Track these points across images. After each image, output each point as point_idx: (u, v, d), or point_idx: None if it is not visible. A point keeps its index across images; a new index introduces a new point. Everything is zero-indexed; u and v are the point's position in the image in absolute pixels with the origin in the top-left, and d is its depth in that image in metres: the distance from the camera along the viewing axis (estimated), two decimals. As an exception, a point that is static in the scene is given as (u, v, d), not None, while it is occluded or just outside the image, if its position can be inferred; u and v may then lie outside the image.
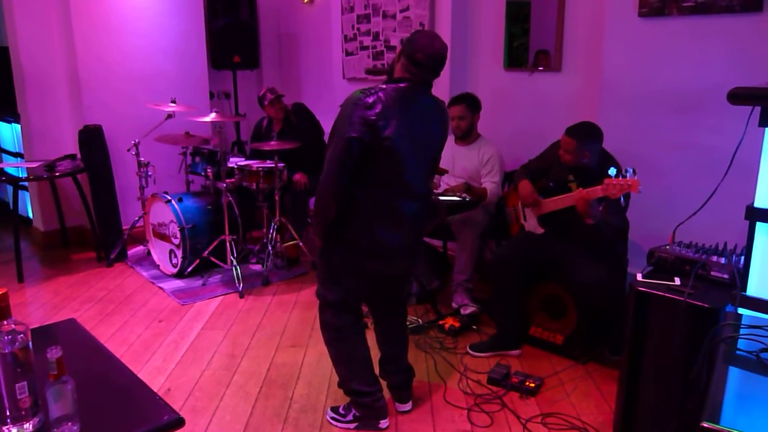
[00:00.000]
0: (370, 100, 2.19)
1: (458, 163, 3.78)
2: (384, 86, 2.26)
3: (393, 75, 2.34)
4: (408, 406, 2.71)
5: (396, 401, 2.73)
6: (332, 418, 2.63)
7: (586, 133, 2.98)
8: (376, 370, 2.66)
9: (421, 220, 2.47)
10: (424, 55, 2.25)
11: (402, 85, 2.27)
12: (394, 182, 2.30)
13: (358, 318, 2.58)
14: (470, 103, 3.70)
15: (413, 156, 2.29)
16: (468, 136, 3.76)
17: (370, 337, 2.67)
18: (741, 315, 1.78)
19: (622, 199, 2.74)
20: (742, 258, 2.05)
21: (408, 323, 3.42)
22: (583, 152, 2.97)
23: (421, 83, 2.30)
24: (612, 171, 2.67)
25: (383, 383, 2.69)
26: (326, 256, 2.47)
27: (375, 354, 2.66)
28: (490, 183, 3.68)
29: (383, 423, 2.58)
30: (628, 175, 2.64)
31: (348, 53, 5.04)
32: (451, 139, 3.86)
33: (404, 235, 2.39)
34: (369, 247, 2.34)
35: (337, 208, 2.29)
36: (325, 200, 2.29)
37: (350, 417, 2.60)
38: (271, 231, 4.29)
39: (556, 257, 3.12)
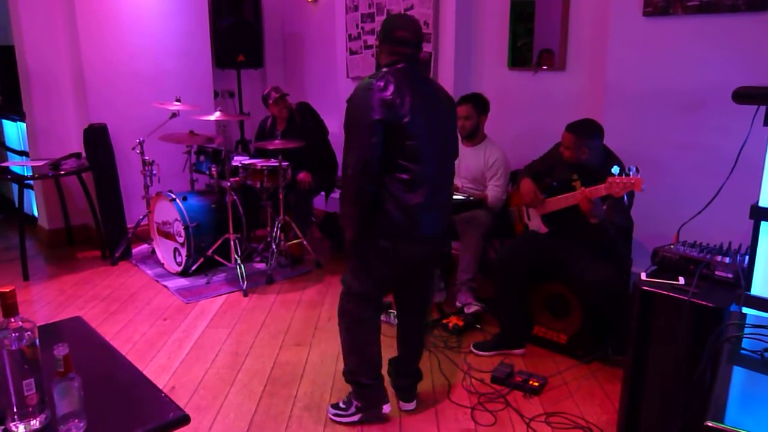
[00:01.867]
0: (382, 83, 2.23)
1: (463, 164, 3.78)
2: (386, 70, 2.31)
3: (382, 64, 2.40)
4: (412, 406, 2.72)
5: (400, 400, 2.73)
6: (335, 414, 2.64)
7: (585, 129, 2.99)
8: (385, 368, 2.68)
9: (448, 199, 2.53)
10: (406, 31, 2.34)
11: (399, 65, 2.32)
12: (418, 160, 2.29)
13: (378, 313, 2.63)
14: (478, 103, 3.70)
15: (429, 132, 2.32)
16: (474, 136, 3.75)
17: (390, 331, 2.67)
18: (745, 314, 1.78)
19: (625, 197, 2.74)
20: (747, 257, 2.05)
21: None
22: (581, 148, 2.97)
23: (408, 58, 2.35)
24: (615, 169, 2.67)
25: (386, 377, 2.70)
26: (359, 245, 2.46)
27: (386, 353, 2.66)
28: (493, 187, 3.68)
29: (386, 408, 2.62)
30: (631, 173, 2.64)
31: (352, 52, 5.05)
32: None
33: (437, 215, 2.41)
34: (407, 230, 2.34)
35: (365, 198, 2.31)
36: (358, 189, 2.28)
37: (352, 409, 2.60)
38: (275, 230, 4.30)
39: (560, 256, 3.12)
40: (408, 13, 4.48)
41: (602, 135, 3.01)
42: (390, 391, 2.74)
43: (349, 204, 2.34)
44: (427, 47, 4.41)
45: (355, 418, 2.59)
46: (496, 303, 3.35)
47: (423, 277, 2.68)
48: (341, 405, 2.64)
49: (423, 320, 2.76)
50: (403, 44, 2.33)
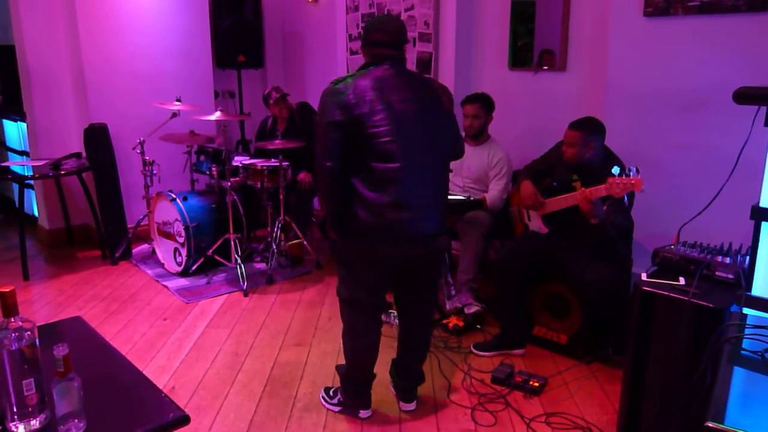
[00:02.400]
0: (341, 87, 2.31)
1: (466, 163, 3.77)
2: (355, 72, 2.38)
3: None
4: (412, 406, 2.72)
5: (400, 400, 2.74)
6: (322, 397, 2.76)
7: (590, 125, 3.00)
8: (385, 369, 2.69)
9: (436, 197, 2.42)
10: (381, 33, 2.39)
11: (373, 67, 2.37)
12: (387, 159, 2.30)
13: (373, 319, 2.58)
14: (485, 102, 3.70)
15: (401, 131, 2.30)
16: (479, 136, 3.75)
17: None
18: (746, 315, 1.78)
19: (625, 198, 2.74)
20: (747, 258, 2.05)
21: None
22: (588, 144, 2.97)
23: (388, 59, 2.37)
24: (615, 170, 2.68)
25: (382, 379, 2.71)
26: (340, 249, 2.52)
27: (387, 353, 2.66)
28: (493, 188, 3.68)
29: (363, 413, 2.66)
30: (631, 174, 2.64)
31: (353, 52, 5.05)
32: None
33: (413, 213, 2.34)
34: (380, 230, 2.34)
35: (337, 197, 2.36)
36: (323, 192, 2.40)
37: (336, 400, 2.71)
38: (276, 230, 4.30)
39: (561, 257, 3.12)
40: (408, 13, 4.48)
41: (604, 133, 3.02)
42: (391, 391, 2.78)
43: (324, 200, 2.45)
44: (427, 47, 4.41)
45: (335, 408, 2.70)
46: (497, 303, 3.35)
47: (423, 282, 2.61)
48: (330, 392, 2.75)
49: (425, 326, 2.73)
50: (378, 46, 2.39)
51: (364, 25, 2.47)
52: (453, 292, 2.71)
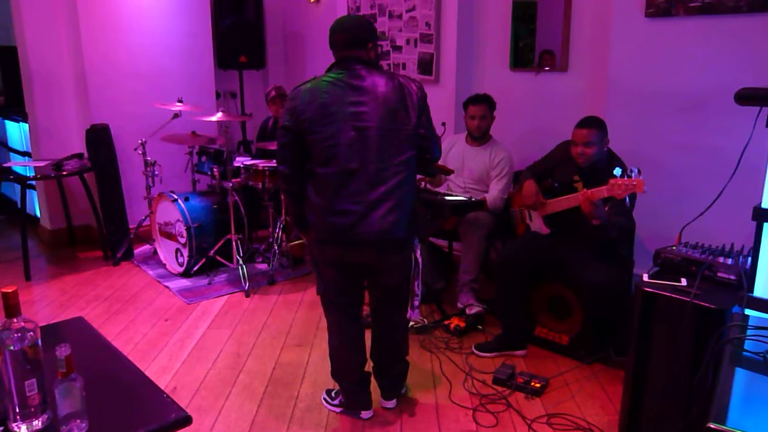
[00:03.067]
0: (295, 93, 2.38)
1: (467, 164, 3.78)
2: (315, 77, 2.42)
3: None
4: (392, 404, 2.73)
5: (381, 396, 2.75)
6: (324, 398, 2.77)
7: (602, 122, 2.99)
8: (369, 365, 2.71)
9: (386, 202, 2.31)
10: (337, 33, 2.42)
11: (332, 71, 2.41)
12: (328, 164, 2.31)
13: (347, 317, 2.59)
14: (491, 103, 3.72)
15: (349, 133, 2.28)
16: (483, 137, 3.76)
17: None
18: (748, 316, 1.78)
19: (627, 199, 2.73)
20: (749, 259, 2.05)
21: (413, 323, 3.44)
22: (604, 139, 2.96)
23: (350, 60, 2.38)
24: (617, 171, 2.67)
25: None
26: (309, 249, 2.60)
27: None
28: (494, 189, 3.68)
29: (364, 414, 2.66)
30: (633, 175, 2.63)
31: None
32: (462, 139, 3.86)
33: (351, 218, 2.30)
34: (326, 234, 2.38)
35: (293, 200, 2.44)
36: (283, 194, 2.50)
37: (337, 402, 2.72)
38: (277, 230, 4.30)
39: (562, 257, 3.12)
40: (410, 14, 4.49)
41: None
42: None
43: (285, 202, 2.53)
44: (428, 48, 4.42)
45: (337, 410, 2.71)
46: (498, 304, 3.35)
47: (383, 288, 2.58)
48: (332, 393, 2.76)
49: (391, 331, 2.69)
50: (340, 47, 2.42)
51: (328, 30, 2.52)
52: (416, 303, 2.58)
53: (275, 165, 4.11)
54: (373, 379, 2.76)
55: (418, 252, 2.56)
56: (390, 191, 2.32)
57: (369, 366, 2.74)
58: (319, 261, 2.51)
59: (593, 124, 2.97)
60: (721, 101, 2.90)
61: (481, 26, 4.27)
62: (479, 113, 3.69)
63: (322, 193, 2.33)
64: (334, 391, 2.75)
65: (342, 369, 2.66)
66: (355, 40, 2.39)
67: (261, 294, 4.04)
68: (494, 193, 3.67)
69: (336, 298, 2.56)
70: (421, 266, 2.57)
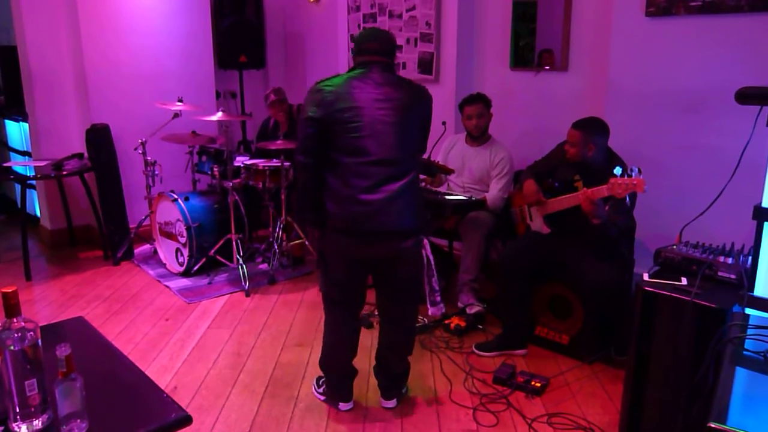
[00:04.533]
0: (323, 86, 2.43)
1: (467, 164, 3.78)
2: (340, 74, 2.50)
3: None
4: (392, 404, 2.74)
5: (381, 396, 2.76)
6: (313, 385, 2.86)
7: (591, 126, 3.00)
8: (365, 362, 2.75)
9: (403, 196, 2.40)
10: (366, 42, 2.52)
11: (358, 70, 2.48)
12: (356, 154, 2.37)
13: (348, 314, 2.62)
14: (486, 101, 3.71)
15: (376, 127, 2.37)
16: (481, 136, 3.76)
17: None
18: (748, 315, 1.78)
19: (627, 198, 2.73)
20: (750, 258, 2.05)
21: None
22: (588, 144, 2.97)
23: (376, 64, 2.47)
24: (617, 170, 2.67)
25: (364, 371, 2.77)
26: (318, 243, 2.60)
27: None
28: (494, 188, 3.68)
29: (343, 406, 2.71)
30: (633, 174, 2.63)
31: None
32: (462, 139, 3.86)
33: (374, 207, 2.37)
34: (344, 222, 2.40)
35: (310, 191, 2.46)
36: (300, 185, 2.50)
37: (322, 390, 2.80)
38: (277, 230, 4.30)
39: (562, 257, 3.12)
40: (410, 13, 4.49)
41: (608, 133, 3.02)
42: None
43: (299, 193, 2.56)
44: (429, 47, 4.42)
45: (321, 398, 2.80)
46: (498, 303, 3.35)
47: (394, 284, 2.60)
48: (320, 381, 2.82)
49: (399, 329, 2.71)
50: (368, 53, 2.50)
51: (354, 36, 2.60)
52: (438, 299, 2.61)
53: (275, 165, 4.13)
54: (373, 378, 2.76)
55: (428, 249, 2.59)
56: (409, 184, 2.44)
57: (356, 362, 2.75)
58: (331, 255, 2.52)
59: (578, 126, 3.01)
60: (722, 100, 2.90)
61: (481, 26, 4.27)
62: (476, 112, 3.69)
63: (347, 182, 2.38)
64: (322, 380, 2.80)
65: (332, 362, 2.71)
66: (384, 50, 2.51)
67: (261, 294, 4.04)
68: (494, 192, 3.67)
69: (339, 294, 2.58)
70: (432, 263, 2.62)
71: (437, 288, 2.64)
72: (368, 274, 2.60)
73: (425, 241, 2.57)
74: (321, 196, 2.44)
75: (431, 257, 2.62)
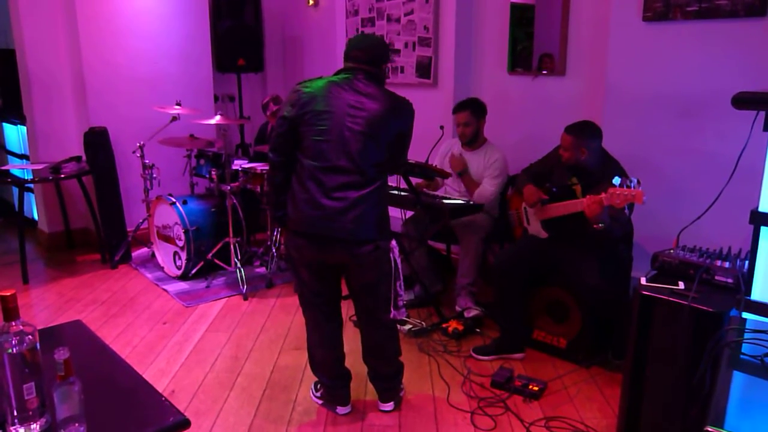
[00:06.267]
0: (300, 86, 2.47)
1: (464, 168, 3.78)
2: (322, 77, 2.52)
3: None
4: (388, 407, 2.74)
5: (378, 399, 2.77)
6: (311, 389, 2.87)
7: (583, 130, 2.99)
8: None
9: (359, 205, 2.37)
10: (353, 50, 2.53)
11: (341, 74, 2.50)
12: (315, 157, 2.39)
13: (322, 315, 2.63)
14: (475, 108, 3.69)
15: (342, 133, 2.37)
16: (474, 141, 3.76)
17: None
18: (745, 319, 1.78)
19: (626, 208, 2.71)
20: (747, 262, 2.05)
21: (411, 326, 3.44)
22: (580, 149, 2.97)
23: (361, 71, 2.47)
24: (616, 180, 2.65)
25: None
26: (285, 243, 2.65)
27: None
28: (485, 184, 3.67)
29: (340, 409, 2.72)
30: (632, 185, 2.61)
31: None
32: (458, 144, 3.87)
33: (326, 212, 2.36)
34: (302, 226, 2.42)
35: (276, 188, 2.50)
36: (268, 182, 2.57)
37: (319, 394, 2.81)
38: (275, 233, 4.30)
39: (560, 261, 3.12)
40: (408, 17, 4.50)
41: (600, 136, 3.02)
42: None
43: (268, 191, 2.64)
44: (426, 51, 4.43)
45: (319, 402, 2.80)
46: (496, 307, 3.35)
47: (358, 289, 2.58)
48: (318, 385, 2.82)
49: (373, 332, 2.68)
50: (348, 59, 2.53)
51: (347, 41, 2.62)
52: (401, 303, 2.59)
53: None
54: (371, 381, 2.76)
55: (396, 253, 2.53)
56: (370, 194, 2.41)
57: (351, 364, 2.76)
58: (294, 256, 2.55)
59: (570, 131, 3.01)
60: (719, 105, 2.90)
61: (479, 30, 4.28)
62: (462, 120, 3.69)
63: (305, 185, 2.40)
64: (319, 384, 2.80)
65: (319, 363, 2.71)
66: (368, 58, 2.51)
67: (259, 297, 4.04)
68: (485, 186, 3.66)
69: (312, 297, 2.61)
70: (400, 268, 2.55)
71: (401, 293, 2.59)
72: (335, 275, 2.60)
73: (393, 244, 2.53)
74: (285, 196, 2.49)
75: (399, 261, 2.55)
